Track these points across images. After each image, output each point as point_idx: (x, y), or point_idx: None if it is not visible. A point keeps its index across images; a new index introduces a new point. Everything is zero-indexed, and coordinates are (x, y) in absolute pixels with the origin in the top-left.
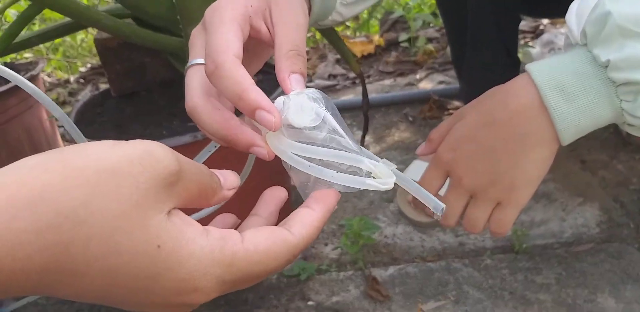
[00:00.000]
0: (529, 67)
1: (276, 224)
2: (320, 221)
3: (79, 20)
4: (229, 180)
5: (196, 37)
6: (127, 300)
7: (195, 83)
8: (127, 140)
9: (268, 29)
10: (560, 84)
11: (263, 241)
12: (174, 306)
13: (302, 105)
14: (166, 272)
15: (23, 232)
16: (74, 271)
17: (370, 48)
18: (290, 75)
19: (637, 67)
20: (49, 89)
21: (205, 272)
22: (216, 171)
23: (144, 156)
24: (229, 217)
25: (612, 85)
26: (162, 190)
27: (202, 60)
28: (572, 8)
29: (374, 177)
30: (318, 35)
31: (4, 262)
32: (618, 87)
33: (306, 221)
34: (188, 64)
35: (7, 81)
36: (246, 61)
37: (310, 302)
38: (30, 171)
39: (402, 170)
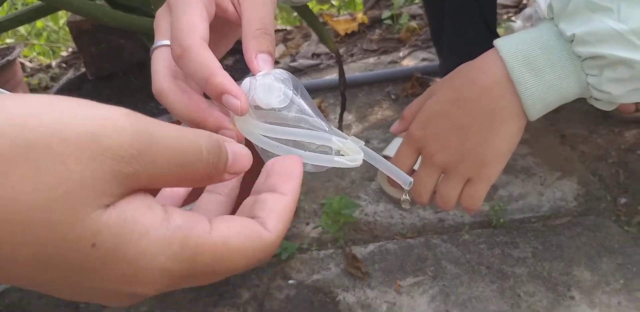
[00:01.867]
0: (497, 42)
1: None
2: (293, 205)
3: (50, 3)
4: (237, 162)
5: (161, 18)
6: (64, 290)
7: (161, 65)
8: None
9: (235, 7)
10: (527, 59)
11: (235, 235)
12: (117, 296)
13: (269, 86)
14: (105, 267)
15: None
16: None
17: (353, 26)
18: (257, 55)
19: (603, 41)
20: (30, 74)
21: (159, 268)
22: (228, 146)
23: (86, 137)
24: (178, 191)
25: (578, 59)
26: (107, 181)
27: (167, 42)
28: None
29: (342, 155)
30: None
31: None
32: (584, 61)
33: (279, 209)
34: (153, 46)
35: None
36: (213, 42)
37: (291, 281)
38: None
39: (383, 148)
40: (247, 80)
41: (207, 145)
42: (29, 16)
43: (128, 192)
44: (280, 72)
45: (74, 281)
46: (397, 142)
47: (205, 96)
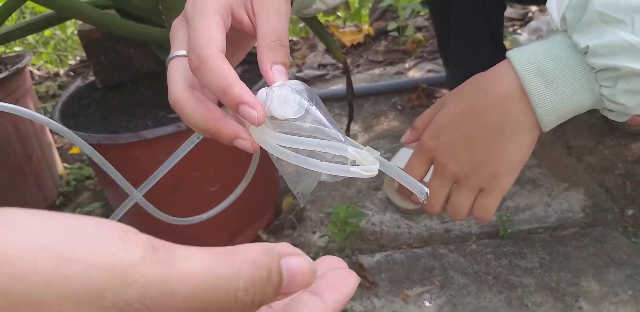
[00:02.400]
0: (510, 54)
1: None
2: None
3: (60, 12)
4: (295, 282)
5: (177, 29)
6: None
7: (177, 75)
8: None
9: (250, 19)
10: (540, 71)
11: None
12: None
13: (285, 97)
14: None
15: None
16: None
17: (359, 37)
18: (272, 67)
19: (616, 53)
20: (38, 82)
21: None
22: (286, 265)
23: (88, 294)
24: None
25: (592, 71)
26: None
27: (184, 52)
28: None
29: (358, 165)
30: None
31: None
32: (597, 73)
33: None
34: (170, 56)
35: None
36: (229, 52)
37: None
38: None
39: (389, 158)
40: (263, 91)
41: (247, 282)
42: (40, 25)
43: None
44: (296, 83)
45: None
46: (403, 153)
47: (219, 105)
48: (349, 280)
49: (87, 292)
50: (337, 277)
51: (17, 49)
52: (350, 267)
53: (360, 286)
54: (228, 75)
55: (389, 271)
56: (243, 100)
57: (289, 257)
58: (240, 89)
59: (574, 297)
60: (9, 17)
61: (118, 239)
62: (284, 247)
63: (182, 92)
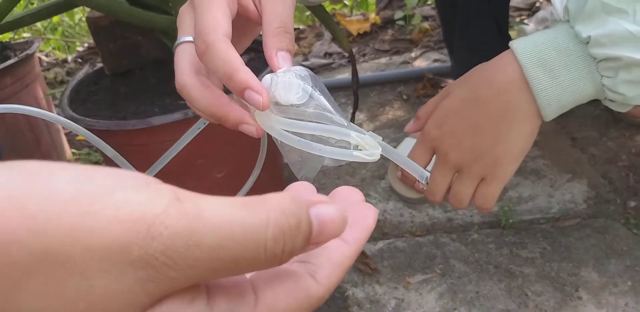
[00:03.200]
0: (513, 43)
1: None
2: (354, 258)
3: None
4: (325, 231)
5: (184, 15)
6: None
7: (184, 61)
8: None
9: (255, 6)
10: (542, 60)
11: (282, 301)
12: None
13: (289, 83)
14: None
15: None
16: None
17: (366, 26)
18: (277, 53)
19: (618, 43)
20: (47, 68)
21: None
22: (315, 213)
23: (113, 248)
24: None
25: (593, 61)
26: (136, 293)
27: (190, 38)
28: None
29: (360, 150)
30: None
31: None
32: (599, 63)
33: (337, 260)
34: (177, 42)
35: (3, 61)
36: (234, 39)
37: None
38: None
39: (394, 147)
40: (268, 77)
41: (276, 231)
42: (49, 11)
43: (163, 296)
44: (300, 69)
45: None
46: (407, 142)
47: (225, 91)
48: (369, 215)
49: (112, 246)
50: (355, 213)
51: (25, 35)
52: None
53: (362, 272)
54: (234, 61)
55: (392, 258)
56: (249, 85)
57: (318, 206)
58: (246, 74)
59: (573, 287)
60: (18, 3)
61: (141, 191)
62: (312, 195)
63: (189, 77)
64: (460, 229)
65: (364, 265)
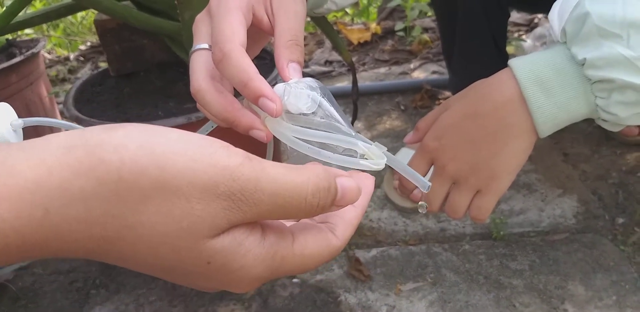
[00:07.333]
0: (512, 62)
1: None
2: (360, 217)
3: (80, 2)
4: (346, 197)
5: (201, 23)
6: (176, 281)
7: (200, 67)
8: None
9: (268, 17)
10: (539, 79)
11: (311, 245)
12: (212, 288)
13: (300, 93)
14: (213, 275)
15: (74, 220)
16: (121, 256)
17: (367, 36)
18: (288, 64)
19: (612, 65)
20: (49, 65)
21: (253, 277)
22: (339, 182)
23: (208, 184)
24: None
25: (588, 82)
26: (220, 218)
27: (206, 46)
28: (555, 6)
29: (366, 159)
30: None
31: (52, 244)
32: (593, 84)
33: (348, 219)
34: (193, 49)
35: (8, 58)
36: (247, 48)
37: (295, 280)
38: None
39: None
40: (280, 86)
41: (314, 189)
42: (59, 13)
43: (236, 224)
44: (311, 80)
45: (188, 279)
46: (403, 153)
47: (236, 97)
48: (368, 184)
49: (207, 182)
50: (359, 181)
51: (28, 31)
52: (347, 261)
53: (355, 278)
54: (249, 69)
55: (384, 266)
56: (263, 93)
57: (343, 178)
58: (260, 82)
59: (560, 299)
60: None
61: (224, 149)
62: (338, 170)
63: (204, 82)
64: (452, 240)
65: (357, 271)
